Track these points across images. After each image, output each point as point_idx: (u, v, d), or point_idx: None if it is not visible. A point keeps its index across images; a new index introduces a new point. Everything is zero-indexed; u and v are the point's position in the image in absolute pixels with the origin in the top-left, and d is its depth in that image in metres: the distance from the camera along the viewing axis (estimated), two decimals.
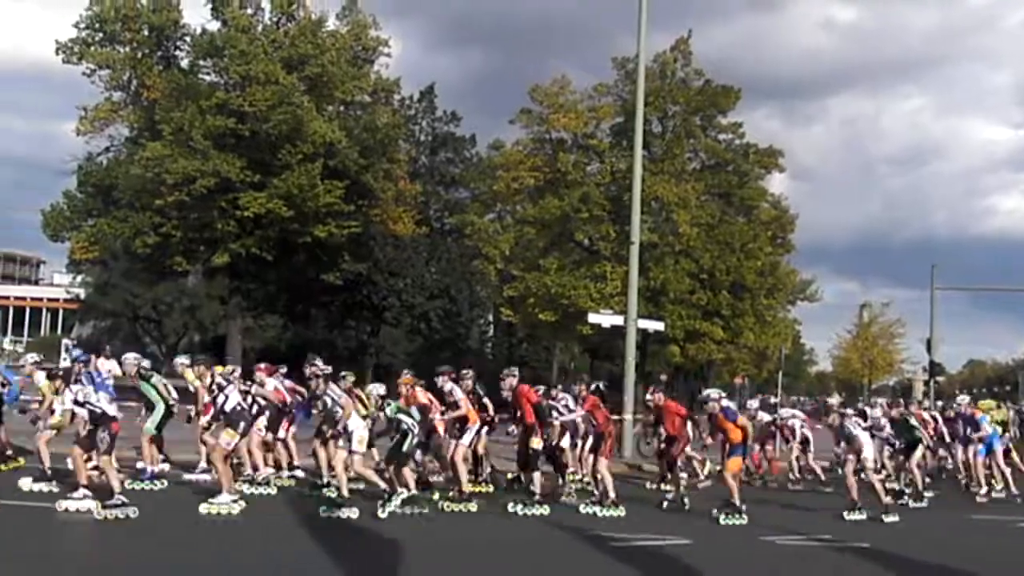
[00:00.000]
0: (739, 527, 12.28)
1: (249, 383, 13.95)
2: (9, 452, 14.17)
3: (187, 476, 13.93)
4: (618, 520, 12.07)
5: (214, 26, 35.19)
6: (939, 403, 19.50)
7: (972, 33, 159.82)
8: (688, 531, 11.45)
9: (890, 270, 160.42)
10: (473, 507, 12.49)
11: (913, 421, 15.69)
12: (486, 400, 14.76)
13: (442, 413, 13.72)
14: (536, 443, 13.21)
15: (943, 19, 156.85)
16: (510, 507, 12.47)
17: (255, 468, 13.37)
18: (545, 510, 12.39)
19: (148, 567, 8.52)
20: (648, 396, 15.64)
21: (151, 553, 9.02)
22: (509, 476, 14.97)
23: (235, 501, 11.27)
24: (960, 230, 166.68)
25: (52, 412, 12.41)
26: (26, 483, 11.93)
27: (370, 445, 12.85)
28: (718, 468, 14.58)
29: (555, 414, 14.38)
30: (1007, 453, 17.70)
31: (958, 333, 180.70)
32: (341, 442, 12.14)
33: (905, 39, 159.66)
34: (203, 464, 13.88)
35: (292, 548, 9.54)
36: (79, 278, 56.15)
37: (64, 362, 18.73)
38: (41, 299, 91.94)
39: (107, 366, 16.12)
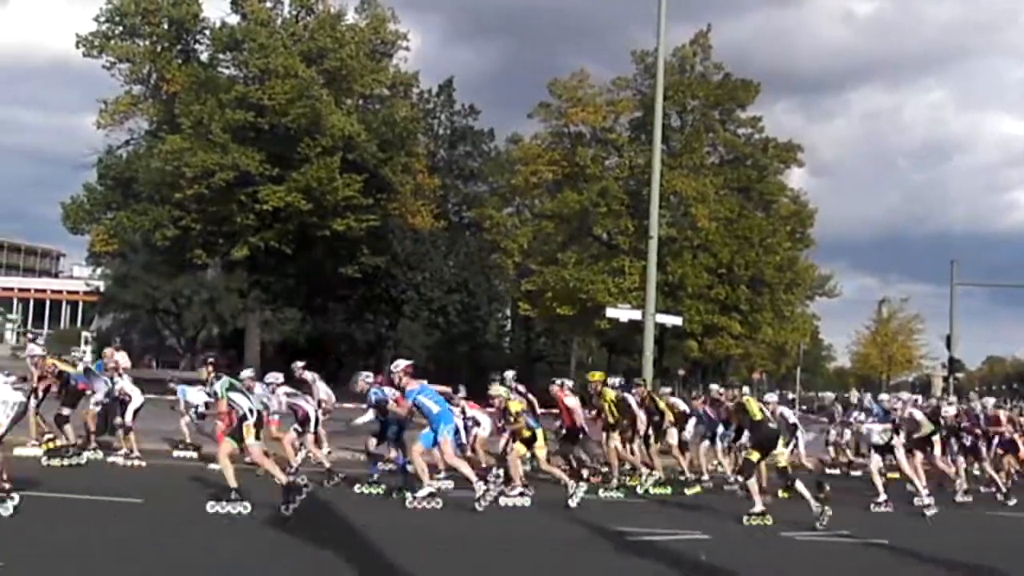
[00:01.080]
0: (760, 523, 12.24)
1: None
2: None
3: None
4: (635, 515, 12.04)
5: (234, 19, 35.37)
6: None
7: (993, 26, 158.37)
8: (706, 527, 11.40)
9: (909, 266, 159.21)
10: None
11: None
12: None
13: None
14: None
15: (963, 12, 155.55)
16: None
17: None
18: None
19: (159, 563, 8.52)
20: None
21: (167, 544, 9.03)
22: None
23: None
24: (981, 225, 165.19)
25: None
26: None
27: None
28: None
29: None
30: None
31: (977, 329, 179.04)
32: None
33: (925, 32, 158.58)
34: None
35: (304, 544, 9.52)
36: (99, 271, 56.37)
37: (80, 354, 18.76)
38: (61, 292, 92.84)
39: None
